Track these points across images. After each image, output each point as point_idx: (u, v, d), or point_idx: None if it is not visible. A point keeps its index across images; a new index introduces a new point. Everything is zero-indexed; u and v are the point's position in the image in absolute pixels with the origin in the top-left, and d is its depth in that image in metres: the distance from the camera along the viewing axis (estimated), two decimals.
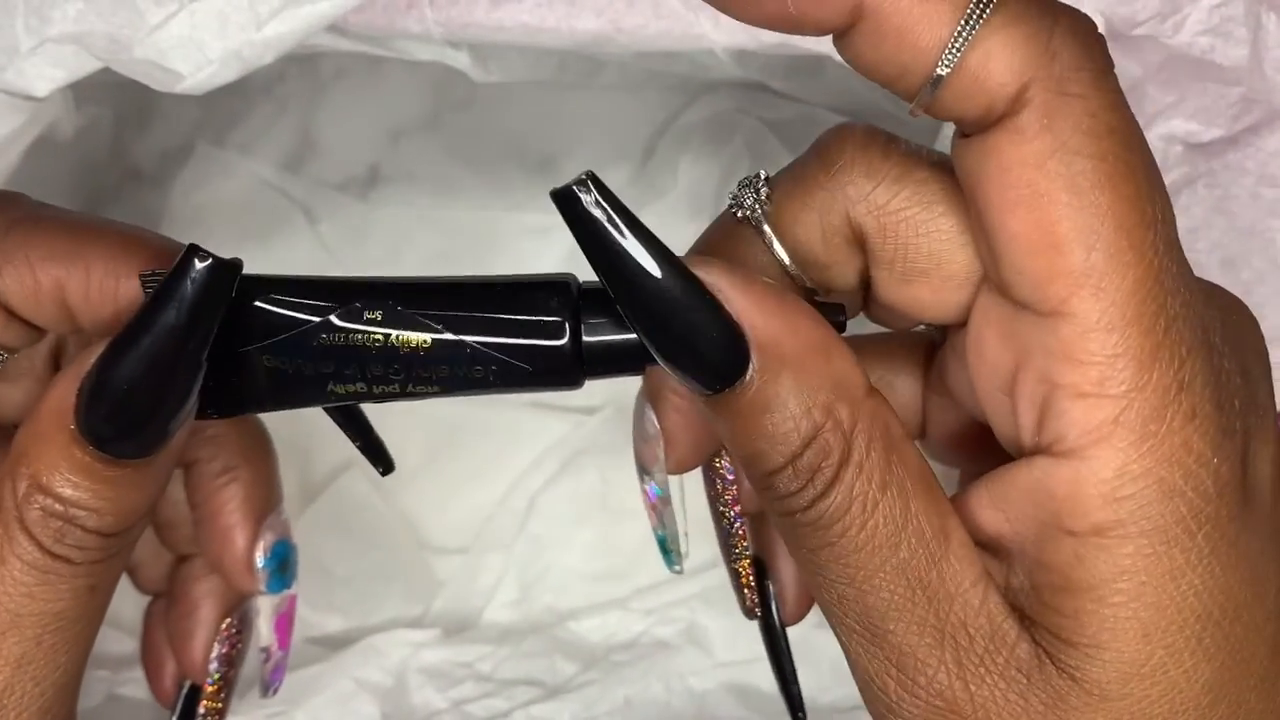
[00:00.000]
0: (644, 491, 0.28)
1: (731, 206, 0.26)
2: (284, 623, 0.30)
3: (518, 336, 0.23)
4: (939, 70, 0.21)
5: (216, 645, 0.31)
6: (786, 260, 0.25)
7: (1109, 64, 0.21)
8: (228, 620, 0.31)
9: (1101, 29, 0.32)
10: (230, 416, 0.25)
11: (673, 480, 0.28)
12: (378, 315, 0.24)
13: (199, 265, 0.22)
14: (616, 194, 0.21)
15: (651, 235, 0.21)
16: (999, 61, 0.21)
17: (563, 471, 0.47)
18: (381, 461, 0.28)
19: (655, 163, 0.47)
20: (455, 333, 0.23)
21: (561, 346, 0.23)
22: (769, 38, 0.34)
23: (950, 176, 0.23)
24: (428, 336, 0.23)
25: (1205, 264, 0.35)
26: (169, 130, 0.47)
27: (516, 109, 0.47)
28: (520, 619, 0.46)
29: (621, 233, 0.21)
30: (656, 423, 0.27)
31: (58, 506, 0.23)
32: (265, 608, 0.30)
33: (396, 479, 0.47)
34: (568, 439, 0.47)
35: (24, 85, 0.35)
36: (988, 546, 0.23)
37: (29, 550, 0.23)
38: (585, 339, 0.24)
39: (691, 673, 0.44)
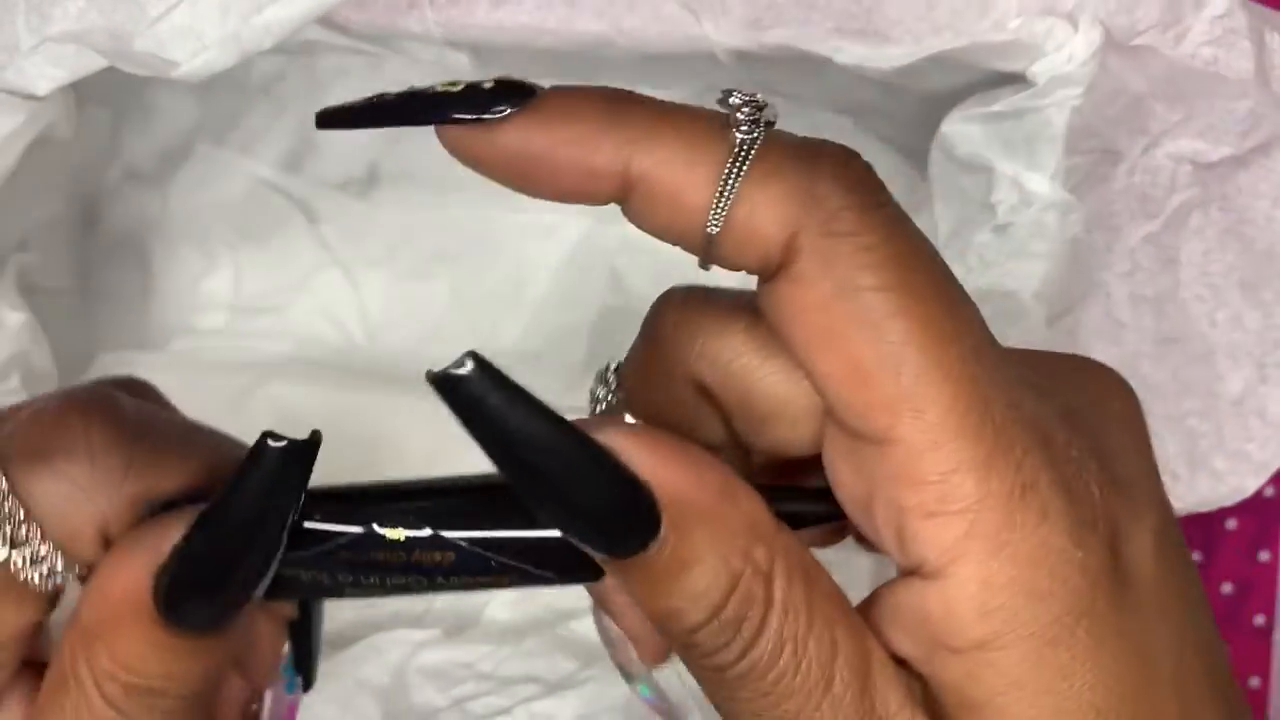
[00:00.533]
0: (640, 699, 0.27)
1: (590, 406, 0.26)
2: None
3: (544, 556, 0.23)
4: (708, 230, 0.21)
5: None
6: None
7: (878, 193, 0.22)
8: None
9: (1102, 37, 0.32)
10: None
11: (662, 671, 0.27)
12: (400, 536, 0.23)
13: (273, 447, 0.22)
14: (500, 369, 0.20)
15: (544, 407, 0.21)
16: (763, 216, 0.21)
17: None
18: (304, 673, 0.28)
19: None
20: (481, 548, 0.23)
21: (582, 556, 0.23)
22: (770, 40, 0.34)
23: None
24: (450, 554, 0.23)
25: (1223, 287, 0.35)
26: (168, 130, 0.47)
27: None
28: (521, 617, 0.46)
29: (511, 410, 0.20)
30: (615, 627, 0.26)
31: (140, 682, 0.23)
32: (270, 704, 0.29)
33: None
34: None
35: (24, 84, 0.35)
36: (899, 663, 0.22)
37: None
38: None
39: None
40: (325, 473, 0.49)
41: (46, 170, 0.41)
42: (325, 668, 0.44)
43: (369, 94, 0.24)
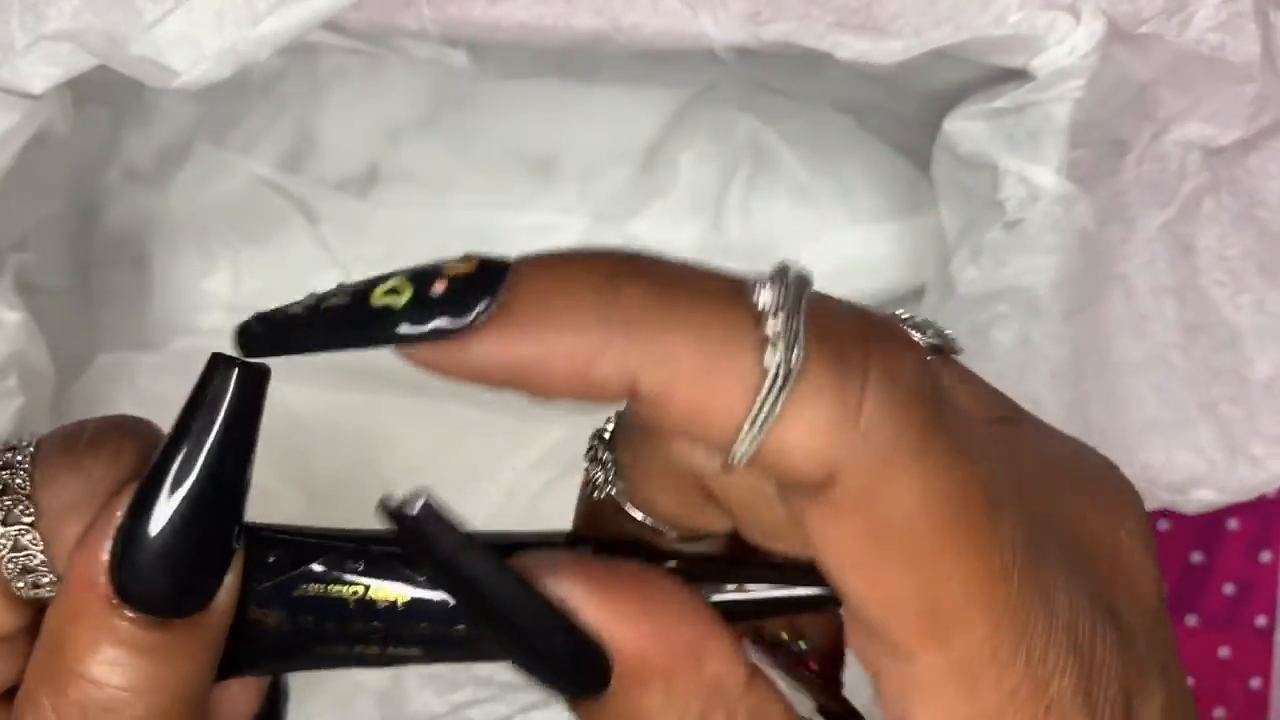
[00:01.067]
0: None
1: (586, 487, 0.24)
2: None
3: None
4: (734, 456, 0.19)
5: None
6: (655, 526, 0.23)
7: (933, 413, 0.19)
8: None
9: (1105, 28, 0.32)
10: (225, 679, 0.23)
11: None
12: (359, 565, 0.23)
13: (224, 370, 0.21)
14: (447, 511, 0.19)
15: (491, 555, 0.20)
16: (799, 444, 0.18)
17: (562, 475, 0.47)
18: None
19: (655, 162, 0.47)
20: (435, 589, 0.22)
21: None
22: (770, 35, 0.34)
23: None
24: (406, 591, 0.22)
25: (1242, 271, 0.35)
26: (167, 129, 0.47)
27: (515, 108, 0.47)
28: None
29: (458, 554, 0.19)
30: None
31: (101, 696, 0.21)
32: None
33: (396, 481, 0.47)
34: (567, 442, 0.47)
35: (20, 83, 0.35)
36: None
37: None
38: None
39: None
40: (325, 472, 0.49)
41: (45, 169, 0.41)
42: (322, 670, 0.43)
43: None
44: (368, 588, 0.22)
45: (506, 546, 0.21)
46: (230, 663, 0.23)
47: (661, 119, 0.46)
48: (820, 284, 0.20)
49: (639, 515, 0.23)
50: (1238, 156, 0.33)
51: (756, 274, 0.19)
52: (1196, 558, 0.50)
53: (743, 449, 0.19)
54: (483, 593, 0.20)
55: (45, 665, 0.22)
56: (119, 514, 0.21)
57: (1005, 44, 0.33)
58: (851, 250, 0.46)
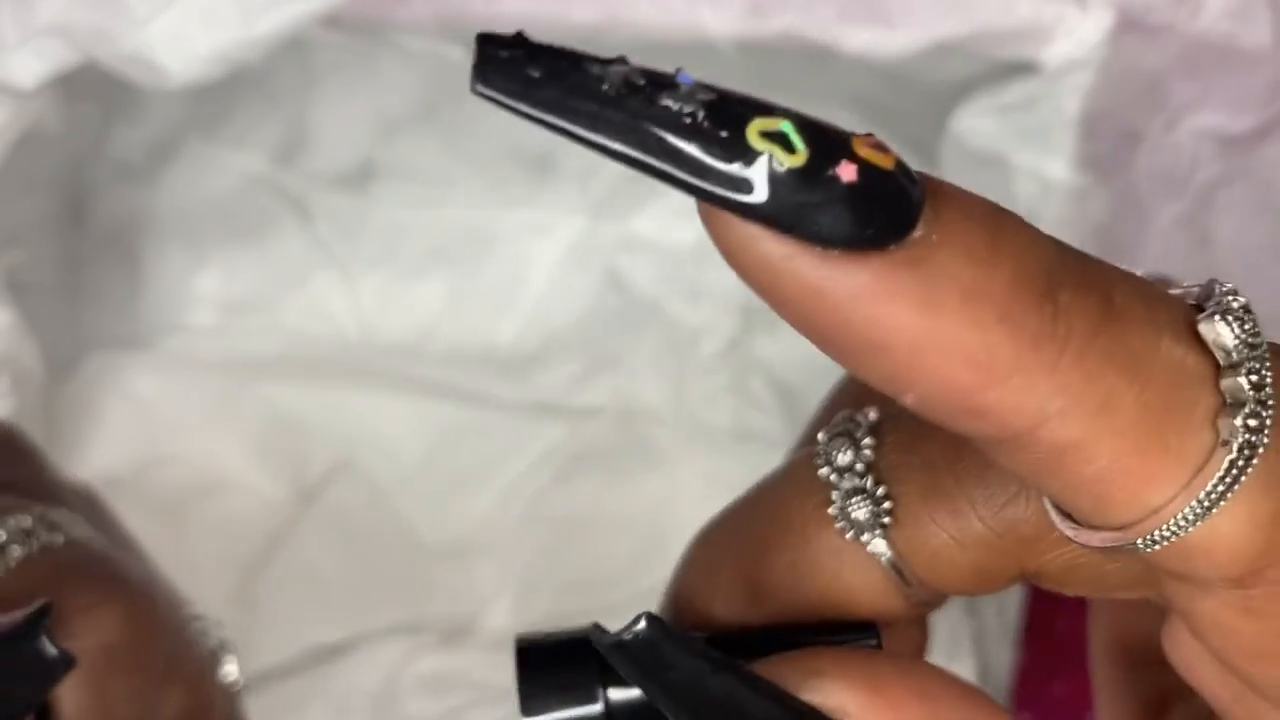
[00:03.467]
0: None
1: (838, 521, 0.18)
2: None
3: None
4: (1140, 544, 0.14)
5: None
6: (908, 583, 0.18)
7: None
8: None
9: (1114, 18, 0.31)
10: None
11: None
12: None
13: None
14: (674, 629, 0.16)
15: (740, 669, 0.16)
16: (1228, 539, 0.14)
17: (562, 475, 0.47)
18: None
19: None
20: None
21: None
22: (772, 28, 0.34)
23: None
24: None
25: (1259, 262, 0.35)
26: (159, 124, 0.46)
27: None
28: (517, 625, 0.46)
29: (703, 676, 0.16)
30: None
31: None
32: None
33: (393, 482, 0.47)
34: (567, 443, 0.47)
35: (9, 78, 0.35)
36: None
37: None
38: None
39: None
40: (323, 473, 0.49)
41: (34, 165, 0.41)
42: (318, 674, 0.43)
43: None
44: None
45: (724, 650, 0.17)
46: None
47: None
48: None
49: (890, 568, 0.18)
50: (1251, 145, 0.33)
51: (1185, 290, 0.15)
52: None
53: (1159, 534, 0.14)
54: (737, 715, 0.16)
55: None
56: None
57: (1013, 36, 0.33)
58: None
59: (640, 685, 0.17)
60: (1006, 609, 0.41)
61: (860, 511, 0.17)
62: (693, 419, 0.47)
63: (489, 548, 0.46)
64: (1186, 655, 0.17)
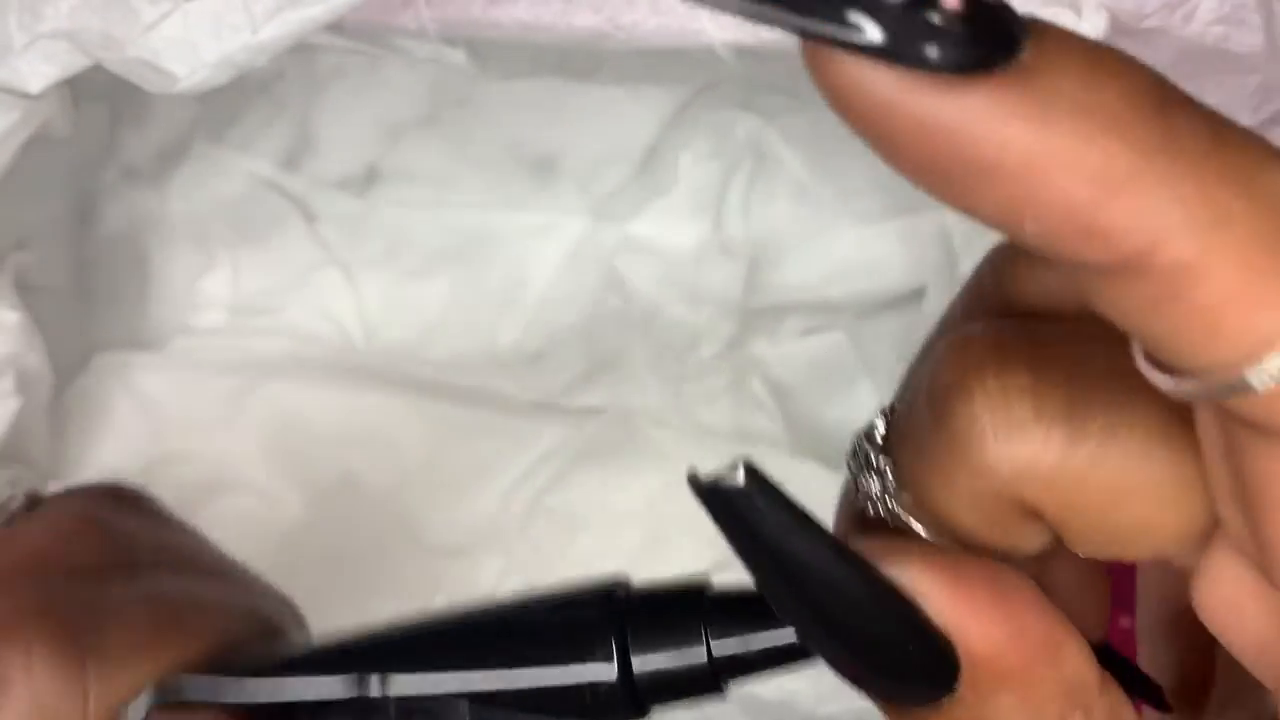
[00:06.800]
0: None
1: (858, 503, 0.20)
2: None
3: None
4: (1250, 378, 0.14)
5: None
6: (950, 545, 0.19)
7: None
8: None
9: (1108, 25, 0.31)
10: None
11: None
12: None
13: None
14: (773, 482, 0.16)
15: (830, 536, 0.17)
16: None
17: (565, 474, 0.47)
18: None
19: (655, 161, 0.47)
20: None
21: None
22: (770, 34, 0.34)
23: (1147, 404, 0.16)
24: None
25: None
26: (165, 128, 0.47)
27: (514, 107, 0.46)
28: None
29: (790, 534, 0.17)
30: None
31: None
32: None
33: (395, 480, 0.47)
34: (570, 441, 0.47)
35: (17, 82, 0.35)
36: None
37: None
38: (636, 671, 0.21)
39: None
40: (323, 473, 0.49)
41: (43, 169, 0.41)
42: None
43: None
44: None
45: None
46: None
47: (661, 118, 0.46)
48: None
49: (924, 533, 0.19)
50: None
51: None
52: None
53: (1269, 366, 0.14)
54: (818, 579, 0.17)
55: None
56: None
57: None
58: (851, 250, 0.46)
59: (726, 532, 0.17)
60: None
61: (871, 484, 0.19)
62: (692, 420, 0.47)
63: (491, 546, 0.46)
64: (1224, 597, 0.17)
